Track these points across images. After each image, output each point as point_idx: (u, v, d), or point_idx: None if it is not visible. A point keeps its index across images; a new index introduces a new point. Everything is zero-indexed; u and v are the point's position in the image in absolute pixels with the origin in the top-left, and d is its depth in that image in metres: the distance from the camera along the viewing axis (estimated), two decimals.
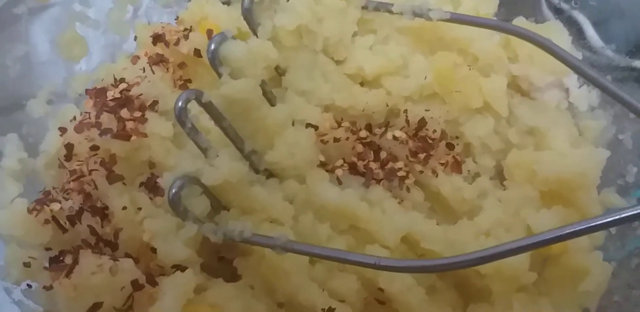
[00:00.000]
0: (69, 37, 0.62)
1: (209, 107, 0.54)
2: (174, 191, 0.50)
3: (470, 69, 0.59)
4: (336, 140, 0.59)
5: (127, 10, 0.66)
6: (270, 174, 0.59)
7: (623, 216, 0.39)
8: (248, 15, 0.61)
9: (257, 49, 0.58)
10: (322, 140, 0.59)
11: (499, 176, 0.60)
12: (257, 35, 0.61)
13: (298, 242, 0.50)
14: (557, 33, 0.60)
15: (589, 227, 0.40)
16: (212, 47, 0.57)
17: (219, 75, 0.58)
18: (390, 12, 0.62)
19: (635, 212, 0.38)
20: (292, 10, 0.60)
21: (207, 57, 0.57)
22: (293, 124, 0.59)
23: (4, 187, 0.53)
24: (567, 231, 0.40)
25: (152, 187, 0.58)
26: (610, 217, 0.39)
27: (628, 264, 0.51)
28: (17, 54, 0.56)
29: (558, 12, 0.63)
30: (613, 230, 0.54)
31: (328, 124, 0.60)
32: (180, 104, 0.51)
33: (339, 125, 0.60)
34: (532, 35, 0.56)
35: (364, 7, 0.63)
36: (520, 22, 0.63)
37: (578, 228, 0.40)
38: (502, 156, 0.61)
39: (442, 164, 0.59)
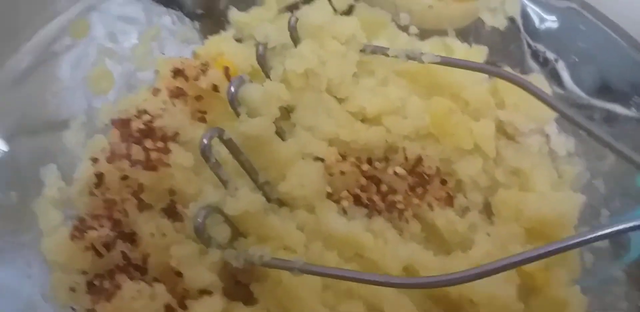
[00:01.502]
0: (98, 71, 0.66)
1: (228, 143, 0.59)
2: (199, 220, 0.55)
3: (463, 114, 0.66)
4: (342, 173, 0.64)
5: (151, 45, 0.70)
6: (281, 203, 0.64)
7: (589, 236, 0.45)
8: (262, 60, 0.67)
9: (272, 90, 0.63)
10: (329, 173, 0.64)
11: (487, 211, 0.67)
12: (269, 78, 0.67)
13: (314, 265, 0.55)
14: (539, 84, 0.66)
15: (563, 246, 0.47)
16: (232, 90, 0.62)
17: (237, 114, 0.63)
18: (386, 55, 0.68)
19: (603, 232, 0.45)
20: (300, 55, 0.66)
21: (227, 98, 0.62)
22: (303, 158, 0.64)
23: (47, 215, 0.56)
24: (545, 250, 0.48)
25: (172, 213, 0.62)
26: (578, 238, 0.46)
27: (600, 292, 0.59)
28: (53, 88, 0.60)
29: (541, 62, 0.70)
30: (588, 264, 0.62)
31: (334, 158, 0.65)
32: (205, 141, 0.56)
33: (344, 159, 0.66)
34: (515, 78, 0.64)
35: (362, 51, 0.69)
36: (505, 71, 0.70)
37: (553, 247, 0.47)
38: (490, 192, 0.67)
39: (436, 199, 0.65)
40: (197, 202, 0.57)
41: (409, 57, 0.67)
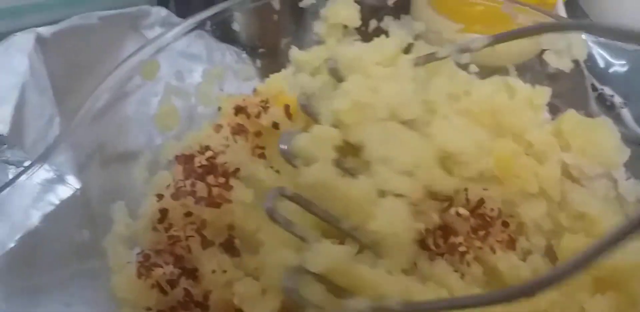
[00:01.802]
0: (166, 109, 0.67)
1: (295, 198, 0.57)
2: (291, 286, 0.53)
3: (527, 156, 0.65)
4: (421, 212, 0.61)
5: (214, 83, 0.72)
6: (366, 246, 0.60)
7: None
8: (307, 110, 0.66)
9: (319, 133, 0.62)
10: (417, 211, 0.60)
11: (549, 256, 0.65)
12: (319, 123, 0.65)
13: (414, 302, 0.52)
14: (607, 129, 0.66)
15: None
16: (284, 147, 0.61)
17: (294, 166, 0.62)
18: (438, 58, 0.67)
19: None
20: (345, 92, 0.63)
21: (280, 154, 0.62)
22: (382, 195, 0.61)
23: (117, 252, 0.57)
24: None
25: (229, 248, 0.62)
26: None
27: None
28: (123, 126, 0.61)
29: (608, 105, 0.69)
30: None
31: (419, 193, 0.62)
32: (268, 205, 0.54)
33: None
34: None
35: (417, 64, 0.67)
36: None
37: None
38: (553, 236, 0.66)
39: (498, 242, 0.64)
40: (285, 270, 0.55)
41: (462, 51, 0.65)
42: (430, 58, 0.67)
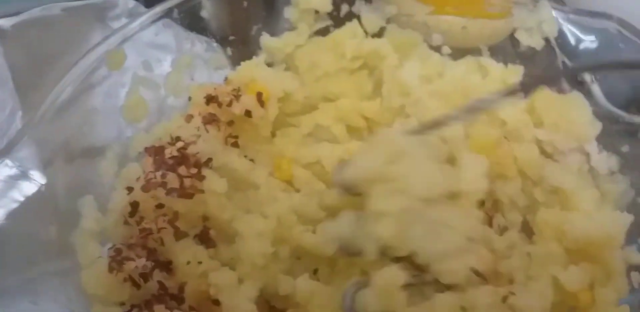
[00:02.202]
0: (133, 100, 0.66)
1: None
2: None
3: (507, 140, 0.65)
4: None
5: (184, 73, 0.71)
6: None
7: None
8: (347, 252, 0.59)
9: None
10: None
11: (526, 231, 0.65)
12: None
13: None
14: (579, 104, 0.66)
15: None
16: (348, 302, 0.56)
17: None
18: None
19: None
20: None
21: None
22: None
23: (86, 248, 0.56)
24: None
25: (205, 239, 0.62)
26: None
27: None
28: (89, 119, 0.60)
29: (578, 81, 0.69)
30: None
31: None
32: (347, 302, 0.54)
33: None
34: None
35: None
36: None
37: None
38: (528, 212, 0.66)
39: None
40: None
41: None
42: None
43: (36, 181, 0.49)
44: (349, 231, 0.56)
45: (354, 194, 0.58)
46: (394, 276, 0.53)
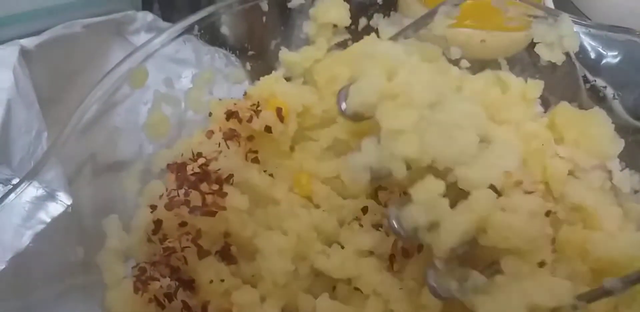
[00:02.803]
0: (156, 117, 0.66)
1: None
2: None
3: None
4: None
5: (204, 88, 0.71)
6: None
7: None
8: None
9: None
10: None
11: None
12: None
13: None
14: (600, 120, 0.66)
15: None
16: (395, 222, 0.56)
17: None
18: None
19: None
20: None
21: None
22: None
23: (111, 267, 0.56)
24: None
25: (226, 255, 0.62)
26: None
27: None
28: (112, 137, 0.61)
29: (600, 97, 0.68)
30: None
31: None
32: (394, 222, 0.54)
33: None
34: None
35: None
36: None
37: None
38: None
39: None
40: None
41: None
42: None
43: (62, 201, 0.49)
44: (375, 156, 0.56)
45: (363, 120, 0.59)
46: (432, 185, 0.53)
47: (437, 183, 0.53)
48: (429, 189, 0.53)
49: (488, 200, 0.53)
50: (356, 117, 0.58)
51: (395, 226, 0.55)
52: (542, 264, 0.55)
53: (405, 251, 0.61)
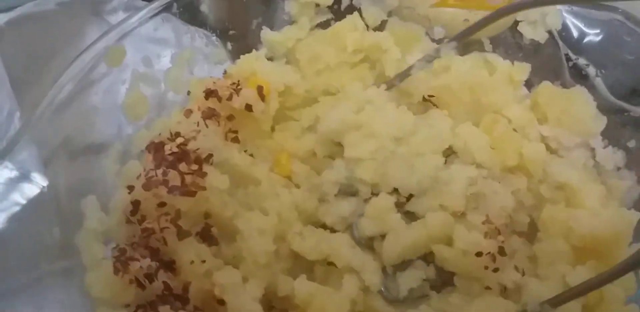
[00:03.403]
0: (133, 97, 0.65)
1: None
2: None
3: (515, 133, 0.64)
4: None
5: (184, 68, 0.70)
6: None
7: None
8: None
9: None
10: None
11: (531, 227, 0.64)
12: None
13: None
14: (582, 98, 0.66)
15: None
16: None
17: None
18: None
19: None
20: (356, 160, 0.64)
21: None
22: None
23: (90, 249, 0.55)
24: None
25: (207, 236, 0.62)
26: None
27: None
28: (89, 117, 0.59)
29: (583, 75, 0.68)
30: None
31: None
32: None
33: None
34: None
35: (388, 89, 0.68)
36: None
37: None
38: (534, 210, 0.65)
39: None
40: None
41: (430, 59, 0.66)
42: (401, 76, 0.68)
43: (37, 182, 0.48)
44: (344, 175, 0.64)
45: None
46: (384, 200, 0.61)
47: (389, 198, 0.62)
48: (381, 205, 0.61)
49: (441, 222, 0.59)
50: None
51: (355, 234, 0.63)
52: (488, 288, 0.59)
53: None
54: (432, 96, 0.68)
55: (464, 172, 0.61)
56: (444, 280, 0.61)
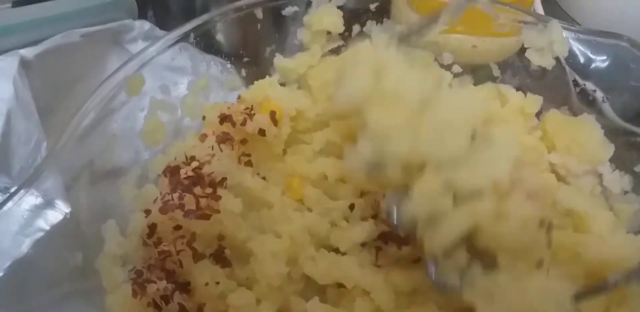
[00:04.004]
0: (152, 124, 0.67)
1: None
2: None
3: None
4: None
5: (200, 94, 0.72)
6: None
7: None
8: None
9: None
10: None
11: None
12: None
13: None
14: (590, 126, 0.68)
15: None
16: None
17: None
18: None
19: None
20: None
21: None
22: None
23: (110, 272, 0.57)
24: None
25: (220, 258, 0.63)
26: None
27: None
28: (109, 144, 0.62)
29: (590, 100, 0.69)
30: None
31: None
32: (393, 214, 0.53)
33: None
34: None
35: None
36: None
37: None
38: None
39: None
40: None
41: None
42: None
43: (61, 209, 0.50)
44: (371, 153, 0.55)
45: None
46: (435, 181, 0.52)
47: (436, 178, 0.52)
48: (432, 184, 0.52)
49: (489, 204, 0.52)
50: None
51: (395, 215, 0.54)
52: (539, 265, 0.54)
53: (399, 239, 0.61)
54: None
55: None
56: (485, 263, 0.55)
